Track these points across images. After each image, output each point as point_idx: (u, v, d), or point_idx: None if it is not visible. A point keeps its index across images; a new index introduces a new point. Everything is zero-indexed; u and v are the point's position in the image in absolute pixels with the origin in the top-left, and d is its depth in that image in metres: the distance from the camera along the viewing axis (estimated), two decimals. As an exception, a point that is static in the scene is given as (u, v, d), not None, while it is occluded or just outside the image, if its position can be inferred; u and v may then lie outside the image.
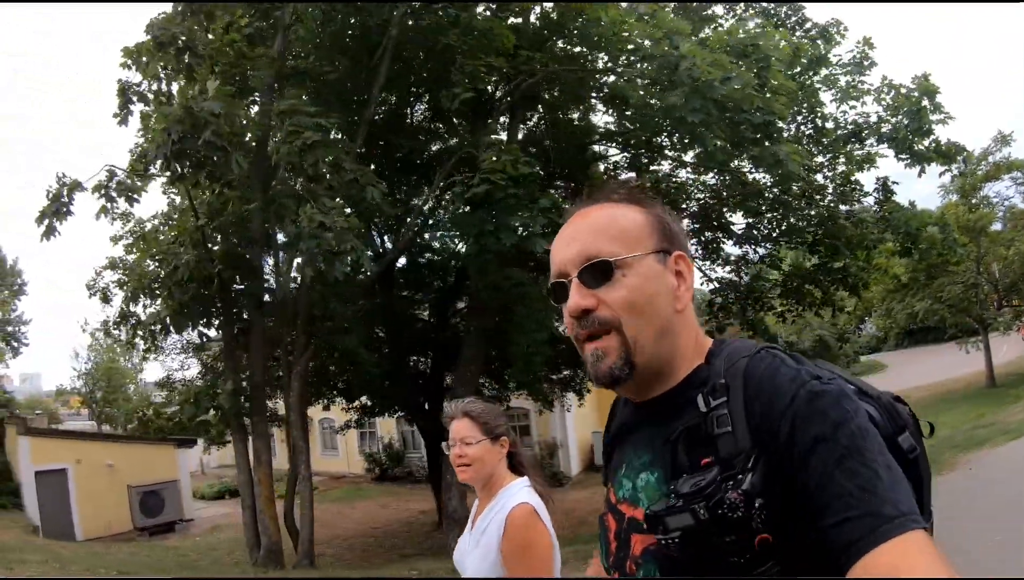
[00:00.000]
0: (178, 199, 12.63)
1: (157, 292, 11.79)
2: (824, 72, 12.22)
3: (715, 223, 12.73)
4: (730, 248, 13.20)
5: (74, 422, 23.68)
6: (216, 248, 9.43)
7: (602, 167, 13.63)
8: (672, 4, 11.84)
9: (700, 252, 13.89)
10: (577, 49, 11.25)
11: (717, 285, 13.09)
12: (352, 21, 10.41)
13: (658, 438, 0.92)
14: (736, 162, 11.60)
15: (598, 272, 0.90)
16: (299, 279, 7.95)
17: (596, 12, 9.62)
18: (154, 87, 10.11)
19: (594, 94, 11.98)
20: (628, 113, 11.36)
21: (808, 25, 12.50)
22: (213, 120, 6.85)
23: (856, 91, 11.80)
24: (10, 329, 23.10)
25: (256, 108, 9.55)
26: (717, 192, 13.36)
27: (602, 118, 13.26)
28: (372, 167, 10.12)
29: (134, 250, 12.67)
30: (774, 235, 12.80)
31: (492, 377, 13.96)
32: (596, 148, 13.46)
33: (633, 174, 13.36)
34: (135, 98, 9.90)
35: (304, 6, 9.98)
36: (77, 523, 15.58)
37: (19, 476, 15.40)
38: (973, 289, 15.52)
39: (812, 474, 0.74)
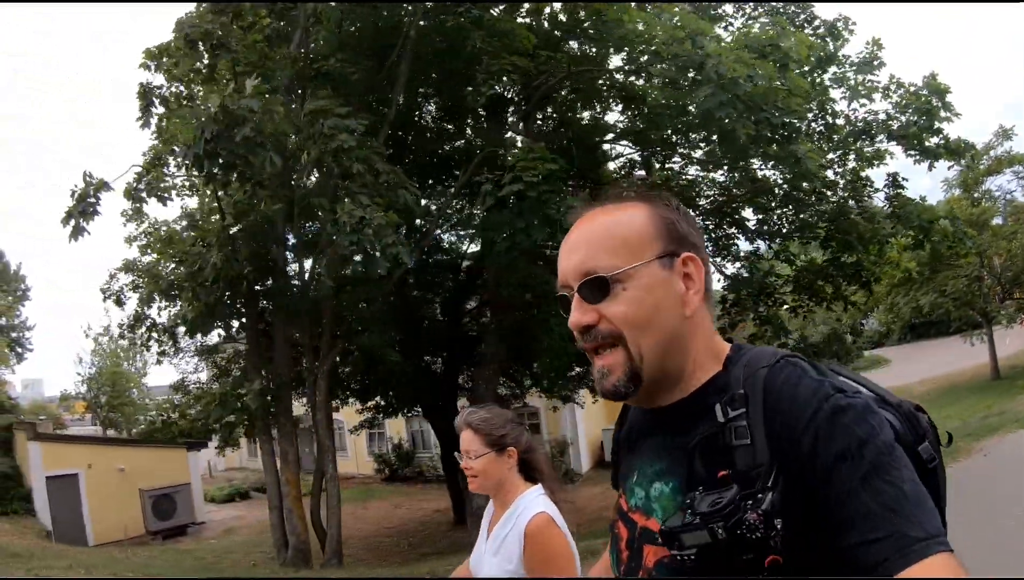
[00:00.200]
0: (191, 202, 12.66)
1: (175, 294, 11.81)
2: (833, 69, 12.42)
3: (728, 220, 12.88)
4: (742, 244, 13.37)
5: (78, 427, 23.50)
6: (240, 248, 9.43)
7: (612, 165, 13.79)
8: (684, 4, 11.98)
9: (711, 249, 14.08)
10: (588, 49, 11.40)
11: (730, 281, 13.25)
12: (371, 22, 10.47)
13: (672, 446, 0.90)
14: (753, 160, 11.82)
15: (596, 287, 0.88)
16: (325, 278, 7.94)
17: (616, 13, 9.76)
18: (174, 89, 10.19)
19: (607, 93, 12.12)
20: (644, 112, 11.51)
21: (816, 23, 12.70)
22: (251, 117, 6.86)
23: (865, 88, 12.00)
24: (14, 335, 22.86)
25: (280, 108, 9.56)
26: (728, 189, 13.54)
27: (610, 116, 13.40)
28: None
29: (149, 251, 12.67)
30: (784, 231, 12.99)
31: (506, 375, 14.05)
32: (605, 146, 13.59)
33: (643, 172, 13.51)
34: (156, 100, 9.95)
35: (323, 6, 10.04)
36: (89, 528, 15.49)
37: (30, 482, 15.27)
38: (977, 282, 15.84)
39: (835, 491, 0.73)
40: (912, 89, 11.59)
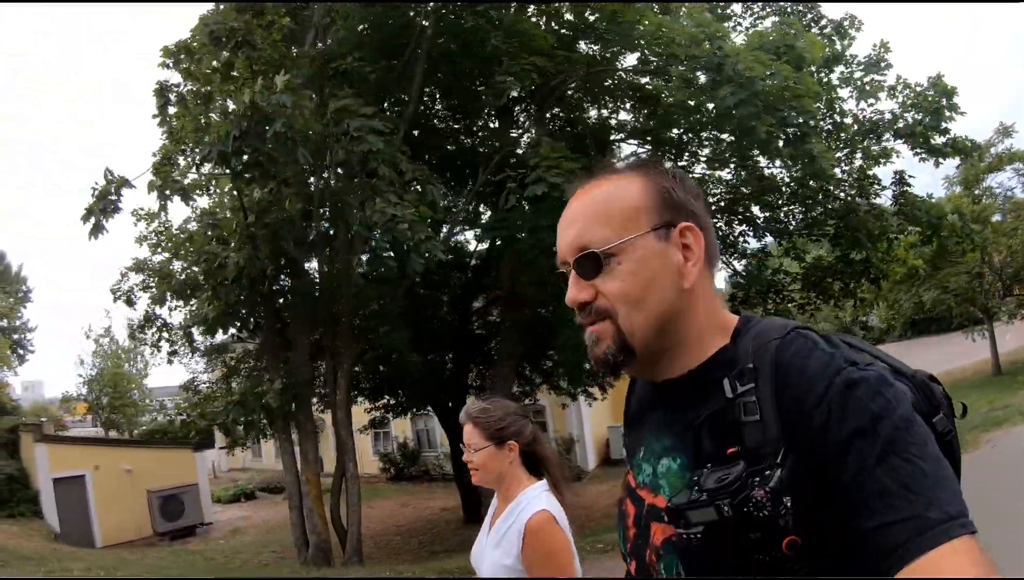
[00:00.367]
0: (202, 201, 12.61)
1: (189, 293, 11.77)
2: (840, 68, 12.61)
3: (739, 217, 13.03)
4: (750, 241, 13.52)
5: (79, 429, 23.36)
6: (261, 247, 9.43)
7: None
8: (694, 3, 12.11)
9: (720, 246, 14.23)
10: (600, 49, 11.49)
11: (738, 278, 13.40)
12: (385, 21, 10.51)
13: (679, 422, 0.88)
14: (759, 158, 11.97)
15: (591, 262, 0.87)
16: (357, 278, 7.97)
17: (632, 15, 9.88)
18: (192, 87, 10.16)
19: (620, 92, 12.22)
20: (657, 111, 11.62)
21: (823, 22, 12.87)
22: (282, 112, 6.88)
23: (872, 87, 12.19)
24: (16, 336, 22.66)
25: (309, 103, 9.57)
26: (735, 187, 13.69)
27: (615, 114, 13.51)
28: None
29: (160, 250, 12.61)
30: (791, 228, 13.16)
31: (520, 373, 14.13)
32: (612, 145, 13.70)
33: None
34: (174, 98, 9.93)
35: (338, 5, 10.06)
36: (96, 529, 15.43)
37: (37, 484, 15.17)
38: (978, 279, 16.13)
39: (850, 470, 0.70)
40: (918, 89, 11.79)
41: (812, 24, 12.86)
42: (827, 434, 0.72)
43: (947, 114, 11.32)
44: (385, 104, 10.79)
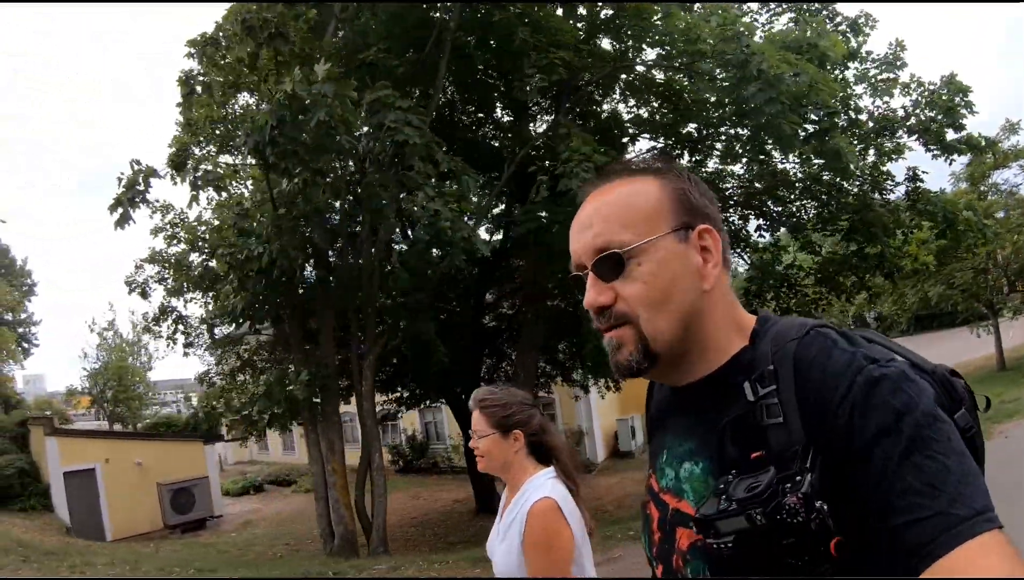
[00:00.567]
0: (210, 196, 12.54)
1: (208, 285, 11.74)
2: (854, 65, 12.74)
3: (756, 211, 13.16)
4: (765, 235, 13.65)
5: (83, 422, 23.23)
6: (289, 238, 9.42)
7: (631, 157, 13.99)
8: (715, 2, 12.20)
9: (732, 240, 14.38)
10: (615, 43, 11.55)
11: (752, 272, 13.54)
12: (410, 15, 10.50)
13: (701, 425, 0.87)
14: (779, 154, 12.10)
15: (611, 264, 0.85)
16: (400, 271, 7.99)
17: (656, 11, 9.96)
18: (217, 77, 10.11)
19: (641, 87, 12.28)
20: (679, 106, 11.70)
21: (838, 19, 12.99)
22: (324, 102, 6.88)
23: (885, 85, 12.34)
24: (21, 330, 22.42)
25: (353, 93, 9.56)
26: (749, 181, 13.81)
27: (634, 109, 13.57)
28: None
29: (176, 242, 12.56)
30: (803, 223, 13.30)
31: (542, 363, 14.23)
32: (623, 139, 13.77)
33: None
34: (199, 89, 9.87)
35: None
36: (107, 523, 15.37)
37: (47, 477, 15.08)
38: (983, 274, 16.41)
39: (875, 470, 0.69)
40: (932, 87, 11.95)
41: (827, 21, 12.99)
42: (851, 433, 0.71)
43: (962, 112, 11.50)
44: (413, 96, 10.80)
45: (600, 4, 10.98)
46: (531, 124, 12.81)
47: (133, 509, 15.52)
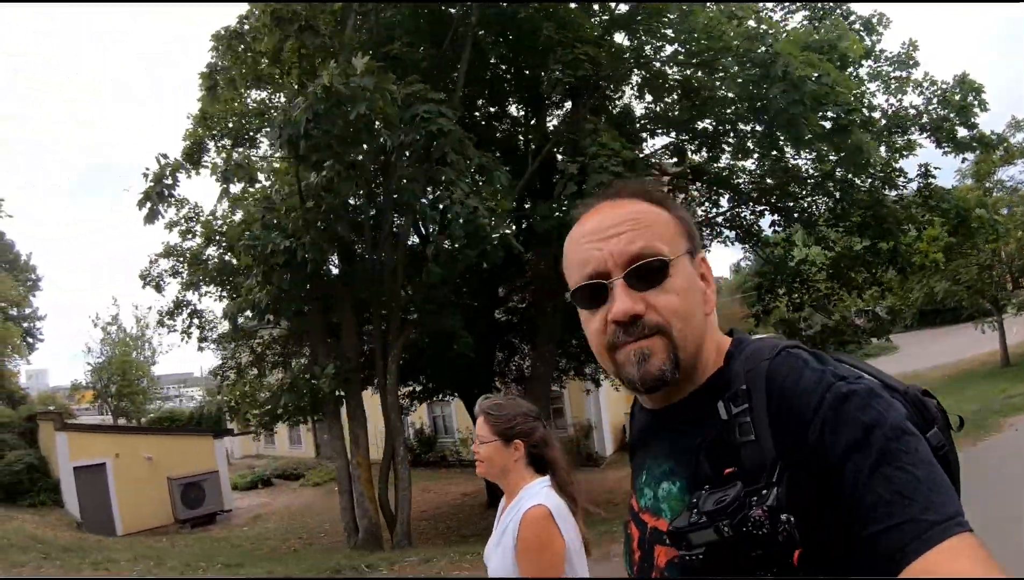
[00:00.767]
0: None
1: (226, 279, 11.70)
2: (868, 63, 12.87)
3: (771, 206, 13.27)
4: (777, 230, 13.76)
5: (87, 417, 23.05)
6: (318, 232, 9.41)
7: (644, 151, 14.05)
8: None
9: (744, 234, 14.52)
10: (633, 40, 11.61)
11: (767, 268, 13.68)
12: (430, 10, 10.50)
13: (678, 446, 0.89)
14: (791, 149, 12.22)
15: (650, 273, 0.84)
16: (434, 267, 8.01)
17: (678, 8, 10.01)
18: (241, 70, 10.07)
19: (659, 83, 12.33)
20: (696, 102, 11.77)
21: (852, 18, 13.11)
22: (364, 96, 6.87)
23: (900, 82, 12.49)
24: (25, 325, 22.19)
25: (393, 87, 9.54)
26: (761, 177, 13.93)
27: (654, 105, 13.63)
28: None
29: (191, 236, 12.50)
30: (814, 218, 13.44)
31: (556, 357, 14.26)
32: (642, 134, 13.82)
33: (676, 159, 13.83)
34: (222, 82, 9.84)
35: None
36: (117, 517, 15.32)
37: (57, 473, 14.99)
38: (988, 271, 16.66)
39: (848, 482, 0.71)
40: (944, 86, 12.12)
41: (841, 19, 13.10)
42: (823, 448, 0.73)
43: (974, 111, 11.68)
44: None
45: (617, 1, 11.05)
46: (547, 120, 12.84)
47: (143, 504, 15.47)
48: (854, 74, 12.24)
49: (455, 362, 13.29)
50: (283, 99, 12.19)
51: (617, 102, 13.32)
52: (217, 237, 11.94)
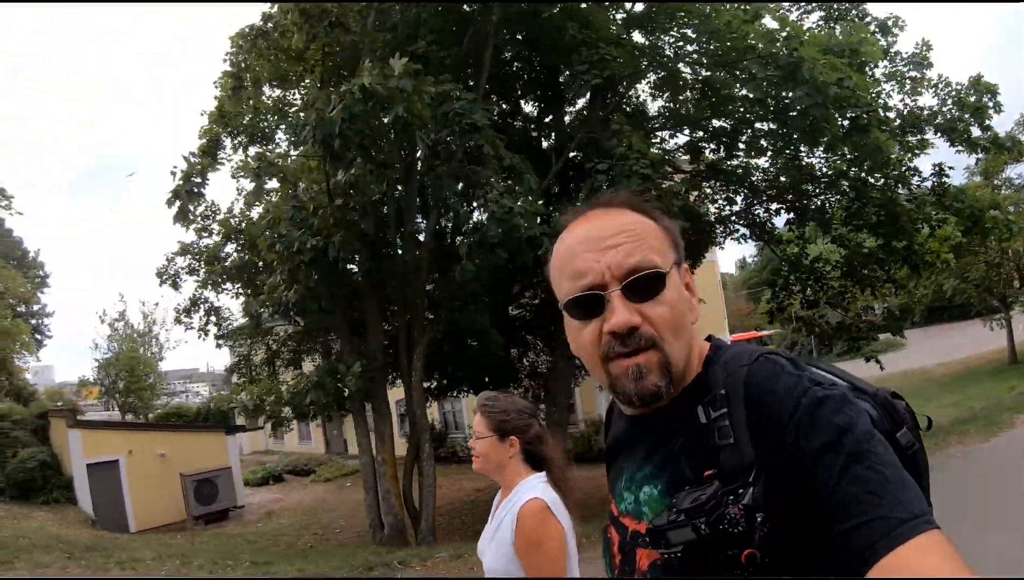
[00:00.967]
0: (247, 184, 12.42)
1: (244, 276, 11.70)
2: (883, 64, 12.97)
3: (787, 204, 13.37)
4: (792, 229, 13.86)
5: (93, 413, 22.99)
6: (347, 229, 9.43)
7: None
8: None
9: (758, 232, 14.63)
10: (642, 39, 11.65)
11: (783, 266, 13.79)
12: (452, 11, 10.51)
13: (658, 451, 0.91)
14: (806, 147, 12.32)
15: (646, 285, 0.85)
16: (468, 263, 8.05)
17: (701, 9, 10.07)
18: (263, 69, 10.06)
19: (670, 80, 12.39)
20: (714, 101, 11.85)
21: (868, 19, 13.20)
22: (402, 97, 6.90)
23: (915, 83, 12.61)
24: (34, 322, 22.05)
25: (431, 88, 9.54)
26: (775, 175, 14.03)
27: (650, 101, 13.69)
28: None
29: (209, 234, 12.47)
30: (827, 216, 13.56)
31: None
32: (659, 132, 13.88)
33: (688, 156, 13.92)
34: (249, 83, 9.82)
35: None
36: (130, 514, 15.32)
37: (70, 470, 14.97)
38: (996, 269, 16.86)
39: (820, 482, 0.73)
40: (959, 87, 12.24)
41: (857, 20, 13.20)
42: (799, 451, 0.76)
43: (989, 112, 11.82)
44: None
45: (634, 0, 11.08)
46: (564, 119, 12.87)
47: (155, 500, 15.47)
48: (871, 75, 12.36)
49: (472, 359, 13.36)
50: (299, 96, 12.24)
51: (632, 100, 13.40)
52: (235, 234, 11.94)
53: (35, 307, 23.67)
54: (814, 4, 13.32)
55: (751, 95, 10.98)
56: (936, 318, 27.26)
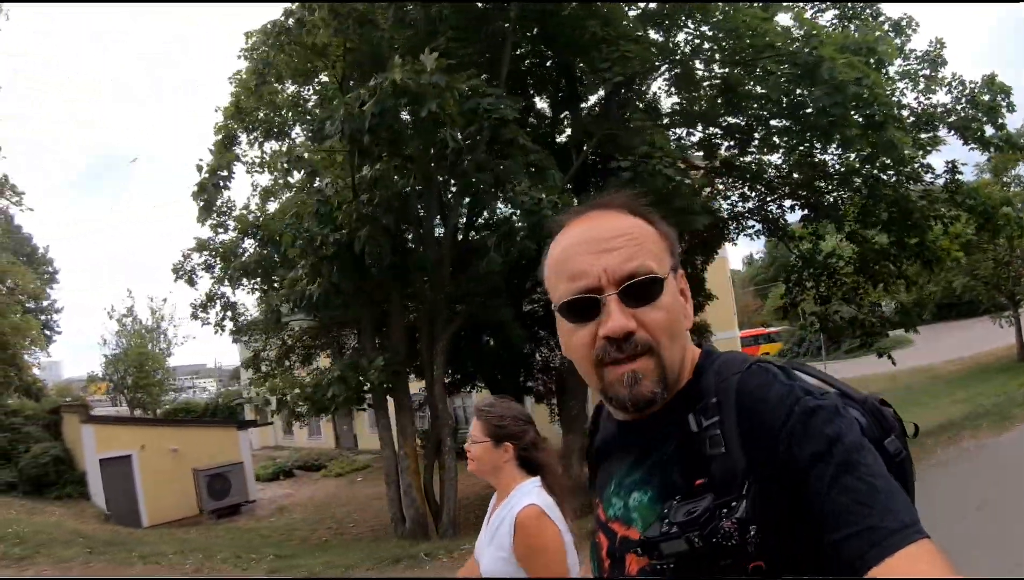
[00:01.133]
0: (262, 180, 12.43)
1: (261, 272, 11.73)
2: (897, 62, 13.06)
3: (801, 201, 13.45)
4: (807, 225, 13.96)
5: (101, 409, 22.97)
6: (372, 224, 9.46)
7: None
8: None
9: (771, 228, 14.72)
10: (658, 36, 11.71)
11: (798, 262, 13.88)
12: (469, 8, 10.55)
13: (649, 457, 0.90)
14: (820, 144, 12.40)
15: (644, 290, 0.85)
16: (495, 255, 8.11)
17: (720, 8, 10.14)
18: (288, 65, 10.08)
19: (685, 77, 12.44)
20: (731, 98, 11.91)
21: (882, 18, 13.29)
22: (434, 93, 6.95)
23: (929, 81, 12.71)
24: (43, 318, 22.06)
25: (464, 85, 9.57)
26: (788, 172, 14.12)
27: (664, 98, 13.75)
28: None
29: (225, 230, 12.49)
30: (840, 212, 13.65)
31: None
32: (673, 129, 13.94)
33: (702, 153, 13.99)
34: (273, 78, 9.84)
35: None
36: (143, 509, 15.37)
37: (83, 465, 15.00)
38: (1005, 266, 17.00)
39: (812, 492, 0.73)
40: (973, 86, 12.34)
41: (870, 20, 13.28)
42: (791, 461, 0.76)
43: (1003, 112, 11.92)
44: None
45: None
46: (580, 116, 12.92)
47: (168, 495, 15.53)
48: (886, 73, 12.45)
49: (488, 354, 13.42)
50: (314, 92, 12.27)
51: (645, 96, 13.47)
52: (252, 230, 11.97)
53: (44, 303, 23.70)
54: (828, 3, 13.41)
55: (767, 92, 11.08)
56: (944, 315, 27.34)
